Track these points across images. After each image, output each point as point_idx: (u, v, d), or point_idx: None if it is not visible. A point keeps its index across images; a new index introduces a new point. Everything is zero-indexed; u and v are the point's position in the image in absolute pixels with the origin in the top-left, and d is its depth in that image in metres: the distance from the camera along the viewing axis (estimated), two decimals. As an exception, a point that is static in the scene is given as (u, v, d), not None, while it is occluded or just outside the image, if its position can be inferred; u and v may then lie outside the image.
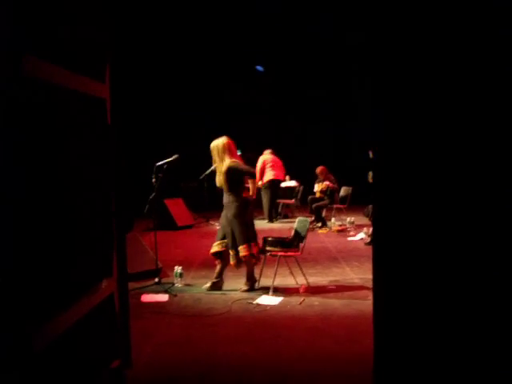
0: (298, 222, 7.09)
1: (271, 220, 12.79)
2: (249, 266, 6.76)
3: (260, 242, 6.89)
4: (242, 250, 6.58)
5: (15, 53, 2.29)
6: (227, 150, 6.65)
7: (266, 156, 12.91)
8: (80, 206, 3.33)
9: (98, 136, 3.70)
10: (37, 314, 2.54)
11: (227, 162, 6.62)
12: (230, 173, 6.59)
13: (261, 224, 12.74)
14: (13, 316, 2.32)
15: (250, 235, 6.71)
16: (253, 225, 6.91)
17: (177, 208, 12.23)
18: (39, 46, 2.61)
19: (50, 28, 2.81)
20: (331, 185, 11.93)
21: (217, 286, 6.83)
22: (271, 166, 12.78)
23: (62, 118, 2.97)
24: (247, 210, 6.73)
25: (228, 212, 6.68)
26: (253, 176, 6.82)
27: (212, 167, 7.46)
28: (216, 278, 6.83)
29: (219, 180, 6.70)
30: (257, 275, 6.92)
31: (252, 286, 6.81)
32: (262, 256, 6.87)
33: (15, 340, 2.31)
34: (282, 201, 13.28)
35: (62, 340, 2.86)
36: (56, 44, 2.90)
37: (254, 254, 6.72)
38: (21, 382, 2.30)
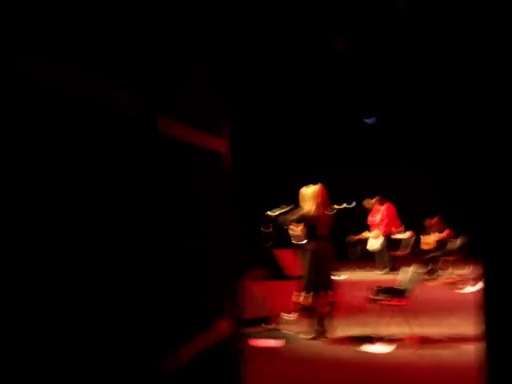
0: (408, 271, 7.12)
1: (393, 270, 12.77)
2: (312, 314, 6.85)
3: (371, 290, 6.97)
4: (306, 297, 6.75)
5: (152, 114, 2.67)
6: (317, 197, 6.92)
7: (387, 207, 13.02)
8: (201, 254, 3.65)
9: (216, 186, 4.04)
10: (165, 347, 2.85)
11: (305, 207, 6.92)
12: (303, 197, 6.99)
13: (374, 275, 12.73)
14: (149, 347, 2.64)
15: (320, 284, 6.81)
16: (328, 273, 7.00)
17: (287, 258, 12.44)
18: (169, 108, 2.99)
19: (177, 93, 3.20)
20: (449, 235, 11.84)
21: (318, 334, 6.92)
22: (395, 218, 12.97)
23: (188, 170, 3.32)
24: (319, 257, 6.86)
25: (303, 257, 7.02)
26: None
27: (287, 208, 7.67)
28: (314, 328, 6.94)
29: None
30: (367, 324, 6.98)
31: (316, 335, 6.86)
32: (373, 304, 6.91)
33: (150, 366, 2.63)
34: (393, 253, 13.19)
35: (184, 371, 3.14)
36: (181, 105, 3.29)
37: (323, 303, 6.81)
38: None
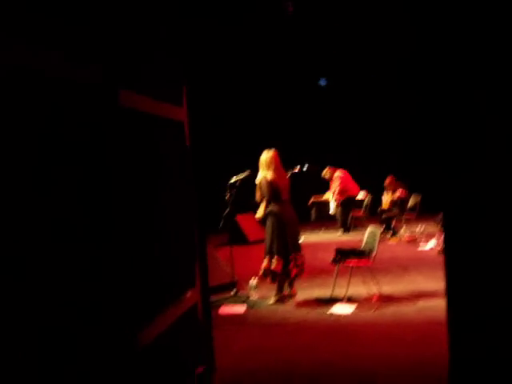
0: (368, 232, 7.23)
1: (351, 230, 13.03)
2: (280, 278, 6.95)
3: (332, 253, 7.06)
4: (274, 262, 6.83)
5: (112, 87, 2.61)
6: (270, 164, 6.95)
7: (341, 174, 13.19)
8: (168, 227, 3.64)
9: (178, 155, 4.00)
10: (136, 320, 2.85)
11: (264, 173, 6.97)
12: (262, 184, 6.97)
13: (333, 236, 12.93)
14: (121, 320, 2.63)
15: (287, 247, 6.91)
16: (294, 236, 7.10)
17: (248, 223, 12.51)
18: (130, 79, 2.93)
19: (136, 65, 3.13)
20: (403, 195, 12.04)
21: (284, 298, 7.04)
22: (351, 182, 13.14)
23: (150, 140, 3.28)
24: (284, 221, 6.93)
25: (267, 222, 7.03)
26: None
27: (245, 173, 7.75)
28: (280, 292, 7.07)
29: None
30: (330, 285, 7.09)
31: (281, 299, 7.00)
32: (335, 266, 7.02)
33: (123, 337, 2.63)
34: (352, 213, 13.40)
35: (154, 344, 3.15)
36: (140, 77, 3.23)
37: (291, 266, 6.91)
38: (127, 371, 2.63)
